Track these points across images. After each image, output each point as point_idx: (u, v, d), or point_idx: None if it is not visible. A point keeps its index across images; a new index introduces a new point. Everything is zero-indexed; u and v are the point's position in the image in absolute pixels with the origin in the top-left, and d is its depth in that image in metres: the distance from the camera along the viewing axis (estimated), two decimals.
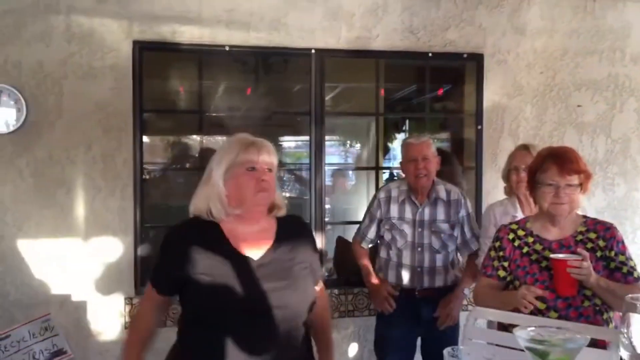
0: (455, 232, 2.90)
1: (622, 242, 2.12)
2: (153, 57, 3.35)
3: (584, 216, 2.23)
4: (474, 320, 2.11)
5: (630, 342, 1.17)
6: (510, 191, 2.92)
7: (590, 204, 3.71)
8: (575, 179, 2.11)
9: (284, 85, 4.20)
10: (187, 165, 4.29)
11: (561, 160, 2.13)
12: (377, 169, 4.48)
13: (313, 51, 3.43)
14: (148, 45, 3.23)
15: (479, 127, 3.62)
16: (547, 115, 3.68)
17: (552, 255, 2.04)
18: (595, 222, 2.19)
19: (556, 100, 3.69)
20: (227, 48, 3.33)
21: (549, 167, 2.14)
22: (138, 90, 3.23)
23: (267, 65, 3.86)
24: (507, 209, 2.86)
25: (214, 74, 3.82)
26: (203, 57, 3.38)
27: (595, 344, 1.82)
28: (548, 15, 3.66)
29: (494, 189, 3.51)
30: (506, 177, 2.93)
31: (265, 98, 3.68)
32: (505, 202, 2.92)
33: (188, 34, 3.27)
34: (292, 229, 1.89)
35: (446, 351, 1.20)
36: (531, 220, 2.26)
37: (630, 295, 1.21)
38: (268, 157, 1.82)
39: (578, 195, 2.15)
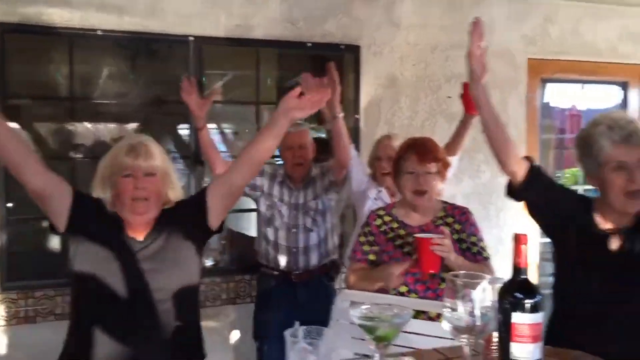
0: (320, 205, 2.98)
1: (475, 225, 2.30)
2: (24, 41, 3.17)
3: (444, 202, 2.38)
4: (341, 302, 2.20)
5: (453, 315, 1.29)
6: (375, 178, 3.06)
7: (458, 189, 3.96)
8: (433, 167, 2.26)
9: (168, 72, 4.12)
10: (71, 153, 4.09)
11: (420, 149, 2.27)
12: None
13: (191, 38, 3.39)
14: (11, 28, 3.05)
15: (357, 116, 3.75)
16: (420, 106, 3.88)
17: (416, 235, 2.15)
18: (453, 207, 2.35)
19: (428, 92, 3.89)
20: (99, 32, 3.21)
21: (409, 156, 2.27)
22: (0, 76, 3.05)
23: (150, 51, 3.76)
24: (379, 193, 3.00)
25: (91, 59, 3.66)
26: (76, 41, 3.24)
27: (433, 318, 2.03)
28: (421, 10, 3.84)
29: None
30: (371, 165, 3.07)
31: (151, 85, 3.59)
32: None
33: (57, 17, 3.12)
34: (179, 214, 1.93)
35: (287, 332, 1.25)
36: (397, 207, 2.39)
37: (451, 273, 1.33)
38: (145, 162, 1.82)
39: (437, 182, 2.30)
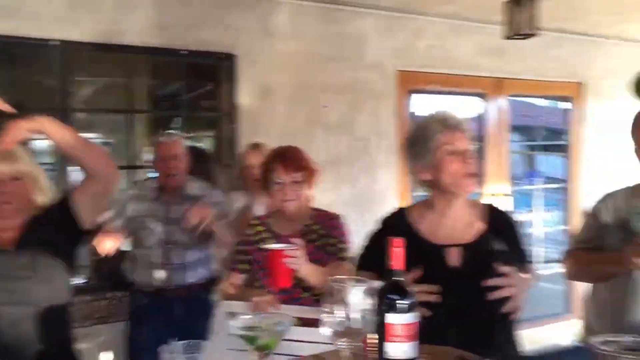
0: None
1: (340, 229, 2.29)
2: None
3: (314, 209, 2.38)
4: (221, 314, 2.16)
5: (331, 319, 1.30)
6: (245, 187, 3.05)
7: (338, 197, 4.05)
8: (299, 176, 2.27)
9: (32, 78, 3.85)
10: None
11: (284, 159, 2.28)
12: (133, 167, 4.34)
13: (56, 43, 3.18)
14: None
15: (234, 125, 3.72)
16: (297, 115, 3.92)
17: (266, 246, 2.08)
18: (321, 214, 2.35)
19: (305, 101, 3.95)
20: None
21: (275, 166, 2.28)
22: None
23: (11, 55, 3.49)
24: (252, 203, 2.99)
25: None
26: None
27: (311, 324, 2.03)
28: (296, 20, 3.90)
29: None
30: (241, 174, 3.06)
31: (11, 91, 3.31)
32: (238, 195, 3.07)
33: None
34: (47, 219, 1.86)
35: (163, 348, 1.20)
36: (271, 216, 2.39)
37: (330, 277, 1.35)
38: (10, 166, 1.80)
39: (304, 190, 2.31)
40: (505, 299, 1.73)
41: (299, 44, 3.91)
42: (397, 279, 1.33)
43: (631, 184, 2.38)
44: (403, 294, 1.31)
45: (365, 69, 4.16)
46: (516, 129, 4.90)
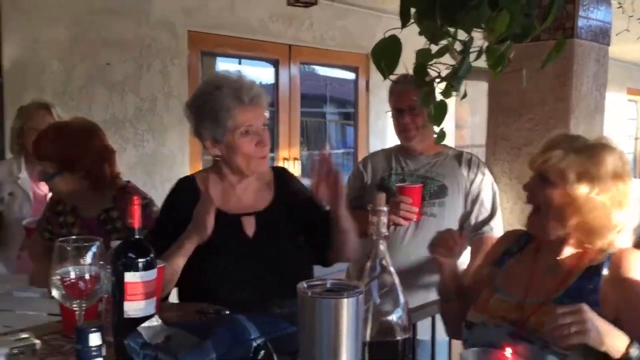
0: None
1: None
2: None
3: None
4: None
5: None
6: (20, 150, 2.78)
7: (122, 160, 3.88)
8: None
9: None
10: None
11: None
12: None
13: None
14: None
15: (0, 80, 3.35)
16: (76, 72, 3.65)
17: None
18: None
19: (85, 57, 3.68)
20: None
21: None
22: None
23: None
24: (11, 168, 2.74)
25: None
26: None
27: None
28: None
29: None
30: (18, 136, 2.77)
31: None
32: (11, 162, 2.79)
33: None
34: None
35: None
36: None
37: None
38: None
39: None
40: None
41: None
42: (137, 237, 1.32)
43: (389, 145, 2.62)
44: (141, 252, 1.30)
45: (153, 26, 3.99)
46: (305, 97, 5.09)
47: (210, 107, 1.77)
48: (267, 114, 1.84)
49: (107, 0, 3.72)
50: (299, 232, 1.86)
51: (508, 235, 1.84)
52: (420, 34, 1.34)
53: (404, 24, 1.35)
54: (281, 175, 1.98)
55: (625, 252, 1.50)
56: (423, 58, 1.35)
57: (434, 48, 1.35)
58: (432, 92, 1.41)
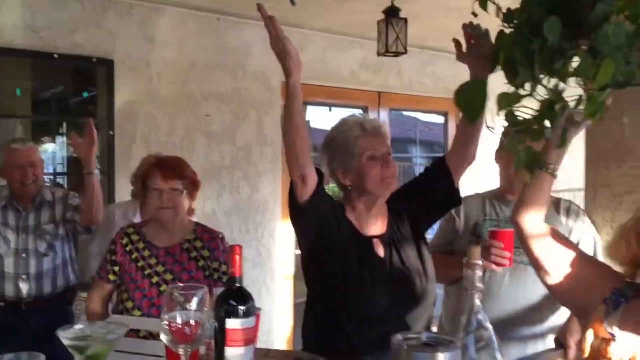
0: (60, 231, 2.86)
1: (225, 251, 2.27)
2: None
3: (196, 223, 2.37)
4: None
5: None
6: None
7: (219, 205, 4.06)
8: (178, 184, 2.27)
9: None
10: None
11: (164, 166, 2.28)
12: None
13: None
14: None
15: (111, 132, 3.63)
16: (178, 123, 3.89)
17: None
18: (204, 230, 2.34)
19: (186, 109, 3.93)
20: None
21: (154, 172, 2.27)
22: None
23: None
24: (126, 212, 2.93)
25: None
26: None
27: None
28: (177, 28, 3.88)
29: (127, 195, 3.55)
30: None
31: None
32: (127, 205, 2.99)
33: None
34: None
35: None
36: (148, 226, 2.35)
37: (170, 286, 1.38)
38: None
39: (184, 200, 2.30)
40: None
41: (181, 51, 3.89)
42: (237, 285, 1.38)
43: (482, 190, 2.58)
44: (242, 299, 1.36)
45: (249, 79, 4.20)
46: (396, 140, 5.13)
47: (340, 141, 1.93)
48: (389, 143, 1.97)
49: (209, 57, 3.97)
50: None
51: (615, 274, 1.73)
52: (508, 80, 1.33)
53: (492, 69, 1.34)
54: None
55: None
56: (508, 103, 1.32)
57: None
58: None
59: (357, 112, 4.91)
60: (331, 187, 2.39)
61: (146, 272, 2.21)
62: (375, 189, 1.91)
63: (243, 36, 4.14)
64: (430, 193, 1.97)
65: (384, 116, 4.97)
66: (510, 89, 1.32)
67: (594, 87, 1.29)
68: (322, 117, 4.92)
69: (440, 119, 5.45)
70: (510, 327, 2.20)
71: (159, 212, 2.25)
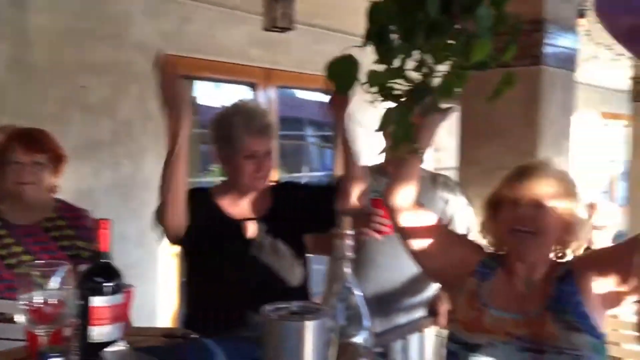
0: None
1: (89, 229, 2.11)
2: None
3: (58, 200, 2.22)
4: None
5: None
6: None
7: (99, 183, 3.86)
8: (41, 158, 2.12)
9: None
10: None
11: (25, 138, 2.12)
12: None
13: None
14: None
15: None
16: (51, 94, 3.63)
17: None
18: (67, 207, 2.21)
19: (61, 80, 3.67)
20: None
21: (14, 145, 2.10)
22: None
23: None
24: None
25: None
26: None
27: None
28: None
29: None
30: None
31: None
32: None
33: None
34: None
35: None
36: (4, 202, 2.16)
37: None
38: None
39: (47, 175, 2.14)
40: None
41: (54, 17, 3.61)
42: (105, 261, 1.32)
43: (370, 163, 2.64)
44: (108, 276, 1.30)
45: (131, 50, 4.00)
46: (283, 120, 5.13)
47: (224, 133, 2.01)
48: (272, 144, 2.05)
49: (86, 23, 3.73)
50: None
51: (478, 248, 1.83)
52: (378, 56, 1.33)
53: (365, 43, 1.34)
54: (277, 186, 2.21)
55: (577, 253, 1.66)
56: (376, 80, 1.32)
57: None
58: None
59: (247, 90, 4.86)
60: None
61: (2, 253, 2.04)
62: (245, 185, 2.03)
63: (122, 4, 3.92)
64: (312, 214, 2.06)
65: (272, 94, 4.94)
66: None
67: (465, 66, 1.33)
68: (209, 93, 4.82)
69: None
70: (394, 296, 2.29)
71: (18, 188, 2.08)
